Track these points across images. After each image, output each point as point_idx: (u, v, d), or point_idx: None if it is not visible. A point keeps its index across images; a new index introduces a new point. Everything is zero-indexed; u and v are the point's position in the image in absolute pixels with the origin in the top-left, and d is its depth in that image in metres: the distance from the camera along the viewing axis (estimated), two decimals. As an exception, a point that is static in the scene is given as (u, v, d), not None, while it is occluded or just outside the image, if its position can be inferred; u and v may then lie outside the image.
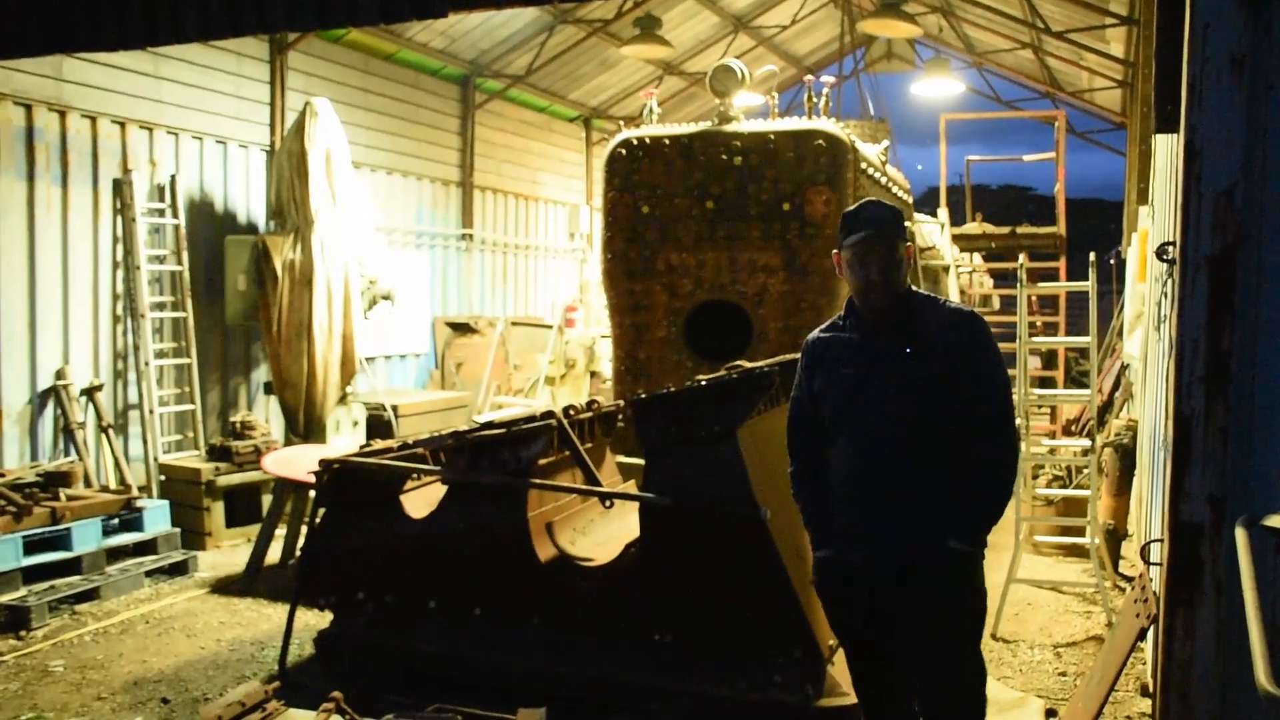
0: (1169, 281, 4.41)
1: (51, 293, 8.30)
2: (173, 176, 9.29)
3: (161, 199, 9.24)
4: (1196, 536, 3.52)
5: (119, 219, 8.83)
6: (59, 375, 8.29)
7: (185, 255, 9.27)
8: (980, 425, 3.31)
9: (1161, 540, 3.81)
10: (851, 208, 3.48)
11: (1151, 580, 4.56)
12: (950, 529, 3.26)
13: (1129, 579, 6.77)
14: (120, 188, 8.82)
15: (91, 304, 8.65)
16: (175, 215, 9.25)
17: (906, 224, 3.56)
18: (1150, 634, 4.55)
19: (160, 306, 9.15)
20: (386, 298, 10.12)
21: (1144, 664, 5.46)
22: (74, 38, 5.89)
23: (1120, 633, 4.61)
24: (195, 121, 9.64)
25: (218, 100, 9.89)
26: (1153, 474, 5.72)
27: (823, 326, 3.64)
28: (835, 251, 3.45)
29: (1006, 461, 3.37)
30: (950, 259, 9.97)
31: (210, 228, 9.77)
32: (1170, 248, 3.88)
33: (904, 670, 3.42)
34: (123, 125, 8.89)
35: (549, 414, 4.74)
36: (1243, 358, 3.44)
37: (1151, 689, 4.65)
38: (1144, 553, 4.72)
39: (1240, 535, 2.69)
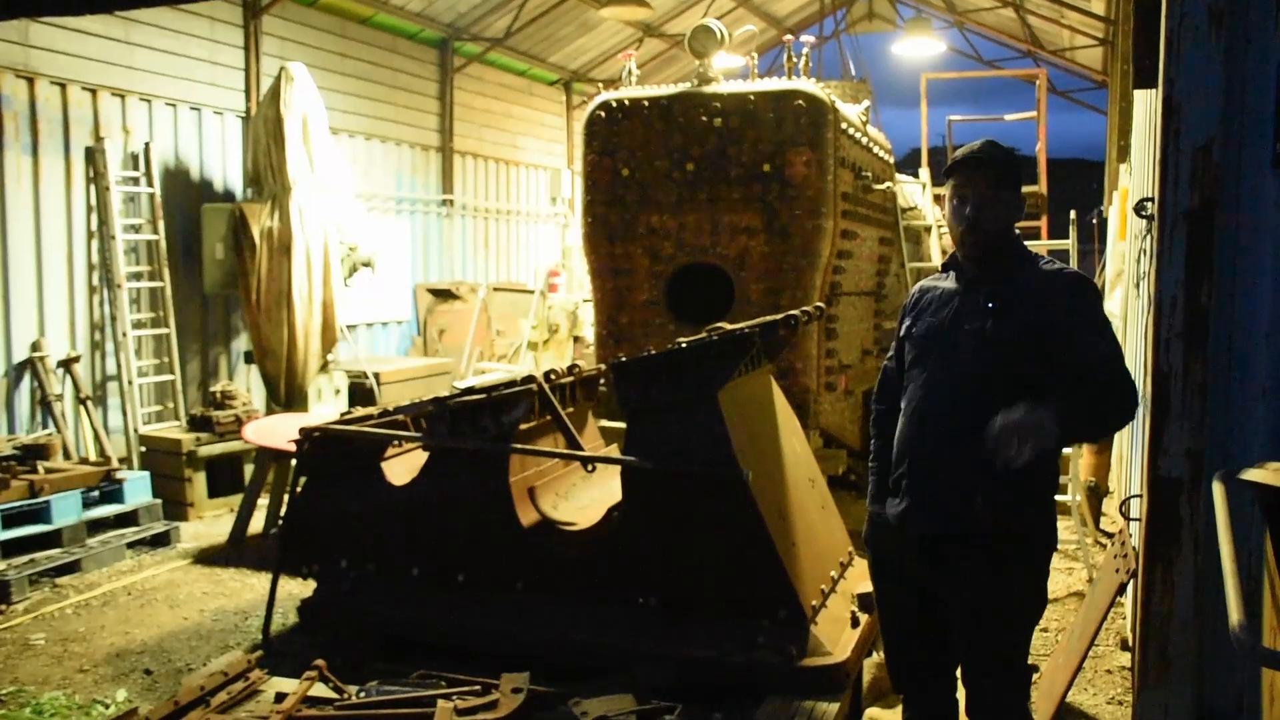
0: (1147, 238, 4.41)
1: (25, 264, 8.20)
2: (146, 144, 9.17)
3: (136, 167, 9.13)
4: (1175, 492, 3.54)
5: (92, 188, 8.72)
6: (35, 347, 8.21)
7: (161, 224, 9.17)
8: (1090, 378, 3.00)
9: (1141, 496, 3.83)
10: (965, 146, 3.26)
11: (1131, 536, 4.60)
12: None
13: (1110, 535, 6.82)
14: (93, 156, 8.71)
15: (66, 275, 8.56)
16: (150, 184, 9.13)
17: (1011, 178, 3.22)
18: (1130, 589, 4.59)
19: (137, 276, 9.06)
20: (367, 265, 10.05)
21: (1124, 619, 5.51)
22: (39, 2, 5.78)
23: (1100, 588, 4.65)
24: (169, 88, 9.50)
25: (191, 66, 9.75)
26: (1133, 430, 5.74)
27: (934, 274, 3.46)
28: (937, 192, 3.34)
29: (1125, 400, 3.03)
30: (932, 219, 9.94)
31: (186, 196, 9.67)
32: (1148, 204, 3.88)
33: (959, 658, 3.26)
34: (94, 92, 8.75)
35: (530, 379, 4.72)
36: (1220, 314, 3.44)
37: (1131, 643, 4.70)
38: (1124, 509, 4.76)
39: (1218, 489, 2.70)
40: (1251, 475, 2.68)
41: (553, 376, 5.03)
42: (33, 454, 7.01)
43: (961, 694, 3.33)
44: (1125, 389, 3.04)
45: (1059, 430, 2.89)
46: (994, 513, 3.05)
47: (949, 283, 3.30)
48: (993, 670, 3.18)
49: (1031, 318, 3.07)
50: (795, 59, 7.09)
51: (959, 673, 3.33)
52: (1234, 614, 2.01)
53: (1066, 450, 7.26)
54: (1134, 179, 6.88)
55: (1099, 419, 3.17)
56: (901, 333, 3.37)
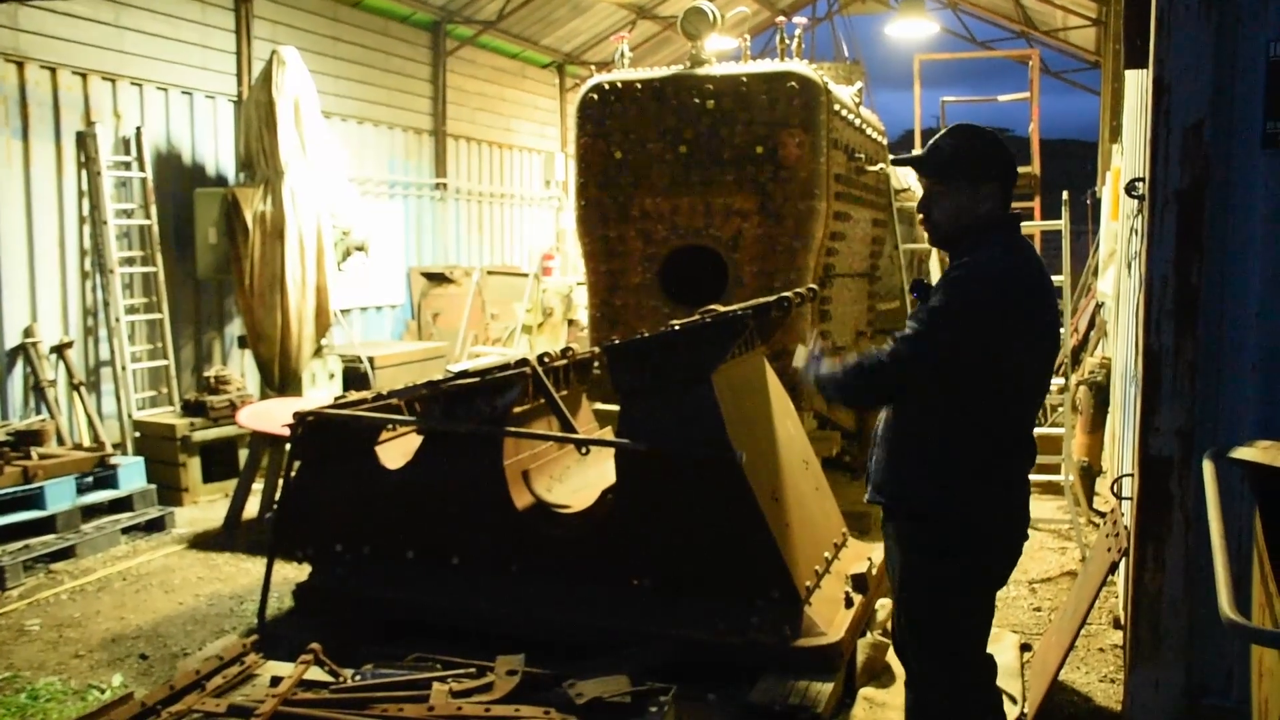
0: (1139, 218, 4.41)
1: (16, 249, 8.17)
2: (138, 129, 9.12)
3: (127, 152, 9.09)
4: (1166, 470, 3.56)
5: (84, 173, 8.68)
6: (27, 333, 8.19)
7: (153, 209, 9.14)
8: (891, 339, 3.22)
9: (1132, 475, 3.85)
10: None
11: (1123, 515, 4.62)
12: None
13: (1103, 515, 6.84)
14: (84, 141, 8.67)
15: (58, 260, 8.53)
16: (142, 168, 9.10)
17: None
18: (1121, 567, 4.61)
19: (129, 261, 9.03)
20: (360, 249, 10.02)
21: (1116, 597, 5.54)
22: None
23: (1092, 567, 4.67)
24: (160, 72, 9.45)
25: (183, 50, 9.69)
26: (1125, 410, 5.77)
27: None
28: None
29: (872, 362, 3.18)
30: (925, 201, 9.95)
31: (178, 180, 9.63)
32: (1139, 184, 3.88)
33: None
34: (84, 76, 8.71)
35: (523, 362, 4.72)
36: (1211, 293, 3.45)
37: (1123, 621, 4.72)
38: (1115, 488, 4.78)
39: (1208, 468, 2.71)
40: (1241, 454, 2.69)
41: (546, 359, 5.03)
42: (26, 440, 7.00)
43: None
44: (872, 376, 3.21)
45: (813, 382, 3.43)
46: (894, 489, 3.24)
47: None
48: (907, 641, 3.35)
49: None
50: (788, 41, 7.08)
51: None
52: (1223, 592, 2.02)
53: (1056, 430, 7.29)
54: (1126, 159, 6.88)
55: (839, 379, 3.36)
56: None
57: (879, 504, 3.32)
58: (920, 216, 3.30)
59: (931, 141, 3.24)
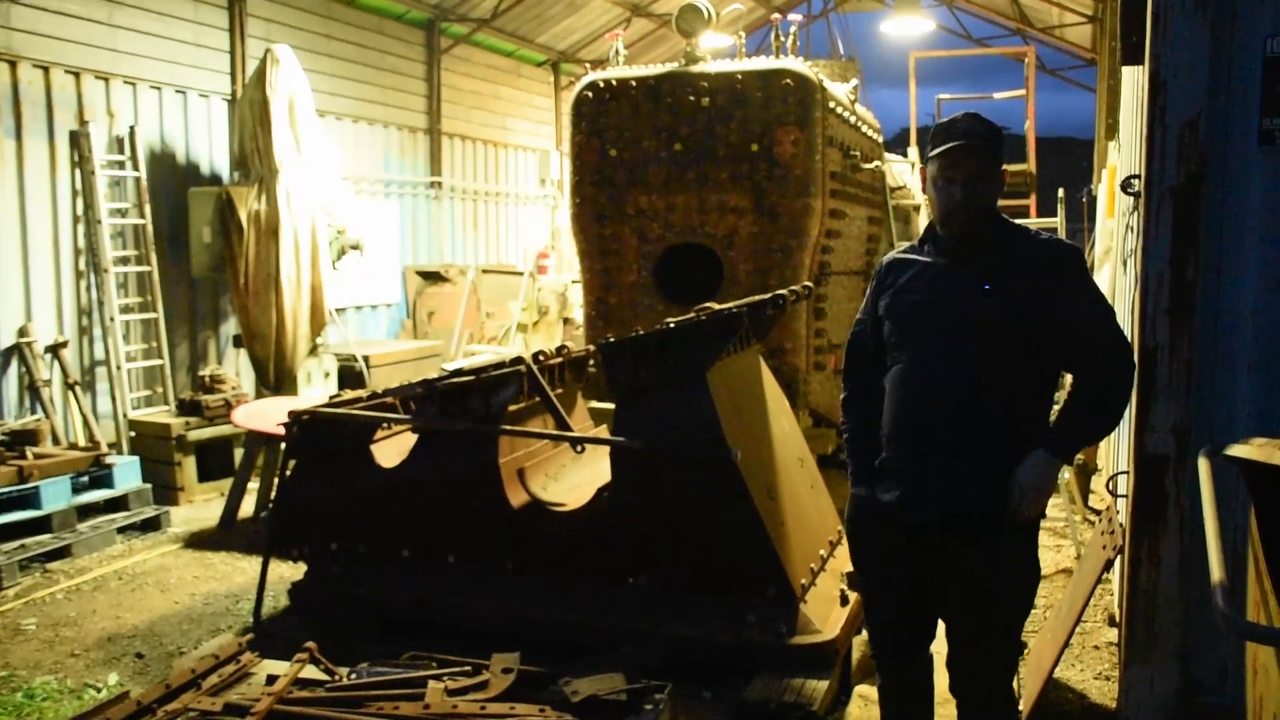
0: (1134, 215, 4.41)
1: (10, 249, 8.15)
2: (132, 128, 9.11)
3: (121, 151, 9.07)
4: (1161, 468, 3.56)
5: (77, 172, 8.66)
6: (22, 333, 8.17)
7: (148, 208, 9.12)
8: (1087, 359, 3.04)
9: (1127, 473, 3.85)
10: (945, 119, 3.14)
11: (1118, 513, 4.62)
12: (1043, 438, 3.02)
13: (1098, 512, 6.85)
14: (77, 140, 8.65)
15: (52, 259, 8.51)
16: (136, 167, 9.08)
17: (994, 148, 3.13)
18: (1116, 565, 4.61)
19: (124, 261, 9.02)
20: (355, 247, 10.01)
21: (1111, 595, 5.55)
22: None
23: (1087, 565, 4.67)
24: (153, 71, 9.43)
25: (176, 49, 9.68)
26: (1120, 408, 5.76)
27: (903, 246, 3.37)
28: (921, 166, 3.17)
29: (1120, 381, 3.04)
30: (921, 198, 9.94)
31: (172, 179, 9.62)
32: (1135, 180, 3.88)
33: (949, 637, 3.24)
34: (77, 75, 8.69)
35: (518, 360, 4.71)
36: (1206, 290, 3.45)
37: (1118, 619, 4.73)
38: (1110, 485, 4.78)
39: (1203, 465, 2.71)
40: (1237, 451, 2.69)
41: (541, 358, 5.02)
42: (21, 439, 6.98)
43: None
44: (1120, 375, 3.05)
45: (1065, 461, 3.06)
46: (991, 497, 3.02)
47: (925, 257, 3.21)
48: (992, 647, 3.17)
49: (1023, 297, 3.00)
50: (783, 38, 7.07)
51: (934, 648, 3.37)
52: (1218, 589, 2.02)
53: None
54: (1122, 156, 6.89)
55: (1103, 424, 3.17)
56: (880, 310, 3.27)
57: (952, 517, 3.08)
58: (940, 204, 3.10)
59: (961, 133, 3.06)
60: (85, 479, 7.14)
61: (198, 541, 7.06)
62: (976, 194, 3.05)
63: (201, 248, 9.31)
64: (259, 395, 9.26)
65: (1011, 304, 3.00)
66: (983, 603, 3.12)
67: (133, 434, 8.46)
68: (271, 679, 3.54)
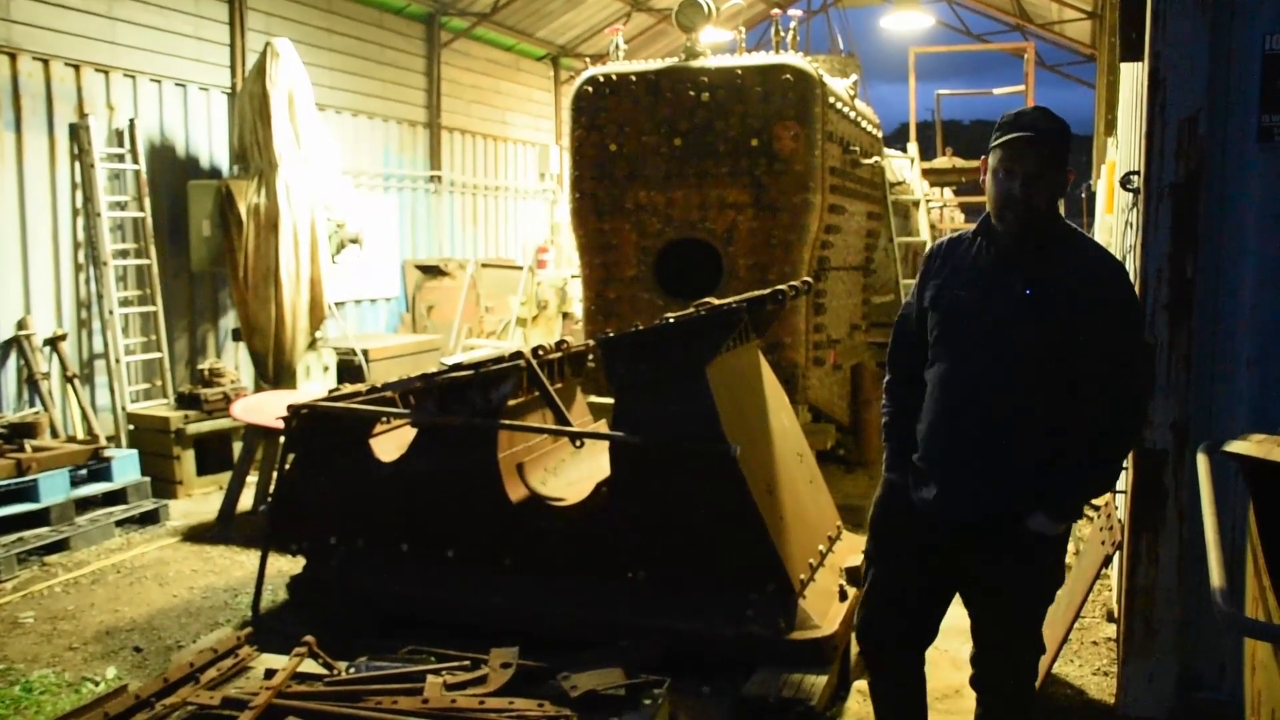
0: (1133, 211, 4.41)
1: (10, 241, 8.15)
2: (131, 121, 9.10)
3: (120, 144, 9.06)
4: (1160, 464, 3.57)
5: (77, 165, 8.65)
6: (21, 325, 8.16)
7: (147, 201, 9.11)
8: (1097, 386, 2.95)
9: (1126, 468, 3.85)
10: (1014, 110, 3.03)
11: (1117, 508, 4.63)
12: (1039, 499, 2.98)
13: (1097, 508, 6.86)
14: (77, 133, 8.64)
15: (52, 252, 8.50)
16: (135, 160, 9.07)
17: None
18: (1115, 561, 4.62)
19: (123, 254, 9.01)
20: (355, 241, 10.01)
21: (1110, 590, 5.55)
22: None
23: (1086, 560, 4.68)
24: (153, 64, 9.42)
25: (176, 42, 9.67)
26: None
27: (955, 234, 3.29)
28: (983, 156, 3.07)
29: (1121, 428, 2.99)
30: (920, 194, 9.94)
31: (172, 173, 9.60)
32: (1134, 177, 3.88)
33: (977, 634, 3.26)
34: (77, 68, 8.67)
35: (517, 354, 4.71)
36: (1205, 286, 3.45)
37: (1117, 614, 4.73)
38: (1109, 482, 4.77)
39: (1202, 461, 2.71)
40: (1235, 447, 2.69)
41: (541, 352, 5.02)
42: (20, 432, 6.98)
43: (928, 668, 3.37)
44: (1134, 402, 3.01)
45: (1064, 522, 3.04)
46: (1027, 500, 3.00)
47: (976, 250, 3.13)
48: (1017, 643, 3.20)
49: (1066, 309, 2.93)
50: (783, 33, 7.07)
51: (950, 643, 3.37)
52: (1217, 584, 2.03)
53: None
54: (1121, 152, 6.89)
55: (1116, 458, 3.12)
56: (926, 301, 3.20)
57: (989, 519, 3.06)
58: (997, 198, 3.00)
59: (1029, 125, 2.95)
60: (84, 472, 7.13)
61: (196, 535, 7.06)
62: (1035, 190, 2.94)
63: (201, 241, 9.31)
64: (258, 389, 9.26)
65: (1047, 315, 2.95)
66: (1013, 600, 3.14)
67: (131, 427, 8.45)
68: (270, 673, 3.54)
